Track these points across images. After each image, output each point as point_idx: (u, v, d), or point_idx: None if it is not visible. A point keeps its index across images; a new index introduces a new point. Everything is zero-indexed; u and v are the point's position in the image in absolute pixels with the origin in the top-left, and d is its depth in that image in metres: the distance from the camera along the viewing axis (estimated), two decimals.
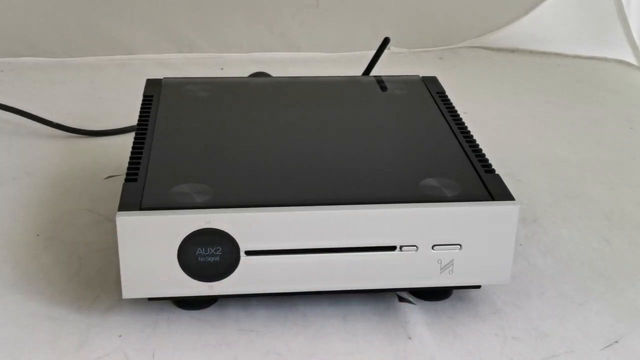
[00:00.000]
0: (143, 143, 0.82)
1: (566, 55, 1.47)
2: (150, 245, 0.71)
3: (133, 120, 1.04)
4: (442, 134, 0.86)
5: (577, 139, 1.16)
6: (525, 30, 1.48)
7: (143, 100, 0.92)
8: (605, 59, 1.45)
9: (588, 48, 1.46)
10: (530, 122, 1.22)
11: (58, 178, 1.01)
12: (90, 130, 1.13)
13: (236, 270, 0.72)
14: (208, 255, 0.72)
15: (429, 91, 0.96)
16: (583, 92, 1.34)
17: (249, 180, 0.76)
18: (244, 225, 0.71)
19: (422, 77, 1.00)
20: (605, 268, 0.86)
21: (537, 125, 1.21)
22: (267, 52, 1.46)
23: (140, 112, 0.90)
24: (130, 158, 0.79)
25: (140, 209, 0.71)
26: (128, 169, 0.77)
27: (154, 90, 0.95)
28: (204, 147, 0.82)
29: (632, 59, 1.44)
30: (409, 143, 0.85)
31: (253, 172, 0.78)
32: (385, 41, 1.05)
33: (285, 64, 1.41)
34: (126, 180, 0.75)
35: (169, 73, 1.36)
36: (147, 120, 0.87)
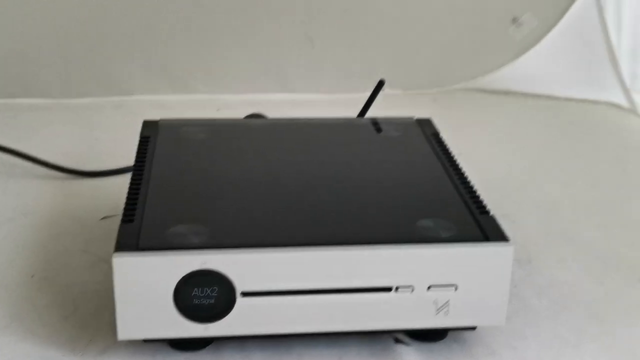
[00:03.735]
0: (140, 184, 0.82)
1: (558, 98, 1.47)
2: (146, 286, 0.71)
3: (129, 161, 1.03)
4: (438, 175, 0.86)
5: (571, 181, 1.17)
6: (518, 73, 1.49)
7: (140, 142, 0.92)
8: (597, 102, 1.46)
9: (580, 90, 1.46)
10: (523, 164, 1.22)
11: (54, 219, 1.01)
12: (86, 171, 1.13)
13: (232, 312, 0.72)
14: (204, 296, 0.71)
15: (424, 133, 0.97)
16: (576, 134, 1.35)
17: (246, 221, 0.76)
18: (240, 266, 0.71)
19: (417, 118, 1.01)
20: (599, 310, 0.86)
21: (531, 166, 1.22)
22: (263, 93, 1.46)
23: (137, 153, 0.90)
24: (127, 199, 0.79)
25: (137, 250, 0.71)
26: (125, 209, 0.77)
27: (150, 132, 0.95)
28: (201, 188, 0.82)
29: (623, 102, 1.45)
30: (405, 184, 0.85)
31: (249, 213, 0.78)
32: (380, 83, 1.05)
33: (281, 105, 1.40)
34: (123, 221, 0.75)
35: (165, 114, 1.35)
36: (143, 161, 0.87)
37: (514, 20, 1.48)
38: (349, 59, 1.49)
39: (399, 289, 0.74)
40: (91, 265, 0.90)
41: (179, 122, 0.98)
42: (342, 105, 1.35)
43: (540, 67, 1.49)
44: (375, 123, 1.00)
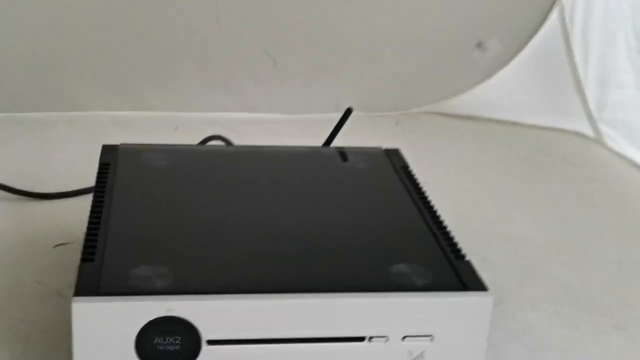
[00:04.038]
0: (100, 218, 0.79)
1: (523, 125, 1.46)
2: (107, 332, 0.67)
3: (84, 182, 1.05)
4: (410, 215, 0.84)
5: (540, 215, 1.15)
6: (482, 98, 1.48)
7: (99, 169, 0.89)
8: (563, 130, 1.45)
9: (545, 118, 1.46)
10: (490, 195, 1.20)
11: (3, 245, 0.97)
12: (37, 193, 1.09)
13: None
14: (167, 344, 0.68)
15: (393, 165, 0.95)
16: (541, 164, 1.33)
17: (212, 263, 0.74)
18: (206, 313, 0.68)
19: (385, 149, 0.99)
20: (576, 355, 0.84)
21: (498, 198, 1.20)
22: (223, 112, 1.44)
23: (97, 182, 0.87)
24: (87, 235, 0.76)
25: (98, 294, 0.67)
26: (84, 247, 0.74)
27: (110, 158, 0.92)
28: (164, 224, 0.79)
29: (589, 131, 1.44)
30: (377, 225, 0.83)
31: (215, 254, 0.75)
32: (348, 111, 1.02)
33: (241, 124, 1.38)
34: (83, 260, 0.72)
35: (121, 131, 1.34)
36: (103, 192, 0.84)
37: (479, 44, 1.48)
38: (311, 78, 1.47)
39: (373, 339, 0.71)
40: (44, 298, 0.86)
41: (139, 147, 0.95)
42: (303, 125, 1.39)
43: (506, 92, 1.48)
44: (342, 153, 0.97)
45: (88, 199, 1.00)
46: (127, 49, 1.41)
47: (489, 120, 1.48)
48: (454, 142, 1.40)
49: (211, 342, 0.69)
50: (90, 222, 0.78)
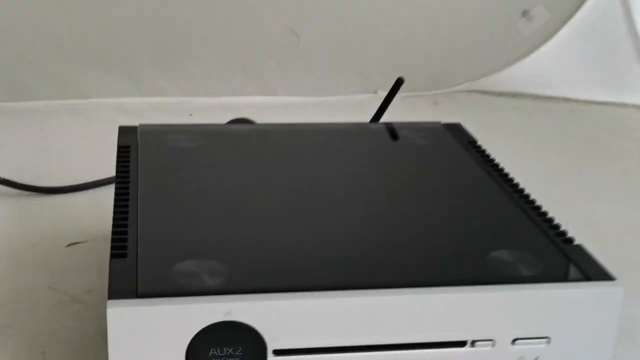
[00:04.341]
0: (126, 207, 0.68)
1: (577, 101, 1.38)
2: (151, 342, 0.56)
3: (92, 174, 1.01)
4: (496, 195, 0.72)
5: (617, 198, 1.05)
6: (527, 72, 1.41)
7: (118, 153, 0.79)
8: (623, 104, 1.37)
9: (602, 92, 1.38)
10: (557, 176, 1.11)
11: (10, 247, 0.88)
12: (44, 187, 1.00)
13: None
14: (226, 355, 0.57)
15: (458, 141, 0.84)
16: (606, 142, 1.24)
17: (270, 255, 0.62)
18: (273, 316, 0.57)
19: (444, 123, 0.89)
20: None
21: (567, 179, 1.10)
22: (241, 96, 1.37)
23: (118, 167, 0.76)
24: (114, 227, 0.65)
25: (137, 296, 0.56)
26: (113, 240, 0.63)
27: (129, 140, 0.81)
28: (204, 212, 0.68)
29: None
30: (460, 207, 0.71)
31: (273, 245, 0.64)
32: (399, 82, 0.94)
33: (262, 109, 1.30)
34: (113, 256, 0.60)
35: (129, 120, 1.24)
36: (127, 179, 0.73)
37: (524, 13, 1.40)
38: (337, 56, 1.40)
39: (476, 343, 0.59)
40: (61, 306, 0.77)
41: (161, 128, 0.85)
42: (330, 109, 1.34)
43: (553, 66, 1.41)
44: (395, 129, 0.87)
45: (99, 192, 0.99)
46: (134, 28, 1.34)
47: (537, 97, 1.40)
48: (501, 121, 1.31)
49: (279, 353, 0.58)
50: (116, 213, 0.67)
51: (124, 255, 0.60)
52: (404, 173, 0.78)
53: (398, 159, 0.81)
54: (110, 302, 0.55)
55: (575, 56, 1.41)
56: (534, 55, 1.42)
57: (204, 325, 0.56)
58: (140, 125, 0.85)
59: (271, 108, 1.33)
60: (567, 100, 1.38)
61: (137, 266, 0.59)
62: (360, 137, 0.86)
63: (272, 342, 0.57)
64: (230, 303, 0.56)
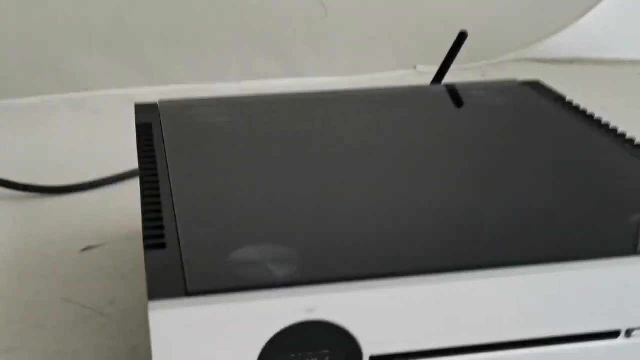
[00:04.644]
0: (157, 190, 0.58)
1: None
2: (208, 353, 0.46)
3: (99, 171, 0.97)
4: (614, 153, 0.62)
5: None
6: (582, 37, 1.36)
7: (138, 132, 0.70)
8: None
9: None
10: None
11: (17, 254, 0.81)
12: (49, 187, 0.94)
13: None
14: None
15: (544, 98, 0.75)
16: None
17: (350, 237, 0.51)
18: (368, 314, 0.46)
19: (521, 81, 0.81)
20: None
21: None
22: (263, 80, 1.31)
23: (139, 147, 0.67)
24: (145, 213, 0.55)
25: (187, 295, 0.45)
26: (146, 228, 0.53)
27: (149, 118, 0.73)
28: (254, 191, 0.58)
29: None
30: (575, 168, 0.61)
31: (349, 223, 0.53)
32: (462, 36, 0.85)
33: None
34: (149, 246, 0.50)
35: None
36: (152, 159, 0.64)
37: None
38: (369, 30, 1.34)
39: (633, 333, 0.49)
40: (79, 321, 0.68)
41: (184, 102, 0.78)
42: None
43: (611, 27, 1.35)
44: (462, 90, 0.79)
45: (110, 190, 0.93)
46: (142, 11, 1.28)
47: (598, 61, 1.35)
48: (564, 90, 1.21)
49: (377, 359, 0.47)
50: (145, 197, 0.58)
51: (162, 246, 0.50)
52: (493, 137, 0.68)
53: (481, 123, 0.71)
54: (152, 304, 0.44)
55: (634, 15, 1.36)
56: (590, 15, 1.38)
57: (280, 328, 0.46)
58: (161, 101, 0.77)
59: (296, 90, 1.25)
60: (634, 62, 1.33)
61: (181, 257, 0.48)
62: (426, 100, 0.77)
63: (370, 346, 0.46)
64: (312, 296, 0.45)
